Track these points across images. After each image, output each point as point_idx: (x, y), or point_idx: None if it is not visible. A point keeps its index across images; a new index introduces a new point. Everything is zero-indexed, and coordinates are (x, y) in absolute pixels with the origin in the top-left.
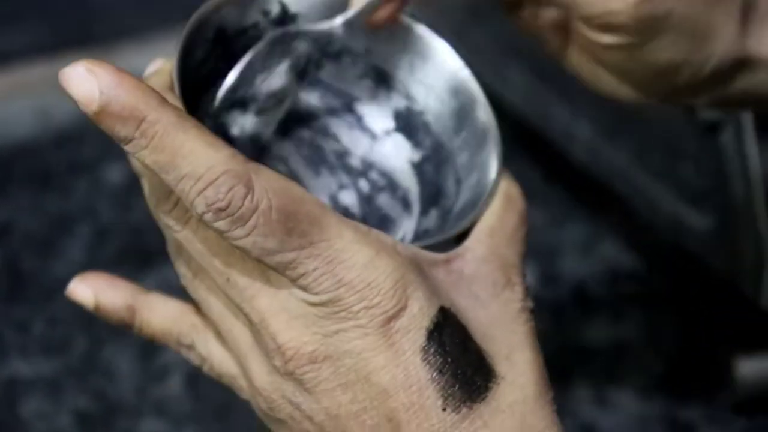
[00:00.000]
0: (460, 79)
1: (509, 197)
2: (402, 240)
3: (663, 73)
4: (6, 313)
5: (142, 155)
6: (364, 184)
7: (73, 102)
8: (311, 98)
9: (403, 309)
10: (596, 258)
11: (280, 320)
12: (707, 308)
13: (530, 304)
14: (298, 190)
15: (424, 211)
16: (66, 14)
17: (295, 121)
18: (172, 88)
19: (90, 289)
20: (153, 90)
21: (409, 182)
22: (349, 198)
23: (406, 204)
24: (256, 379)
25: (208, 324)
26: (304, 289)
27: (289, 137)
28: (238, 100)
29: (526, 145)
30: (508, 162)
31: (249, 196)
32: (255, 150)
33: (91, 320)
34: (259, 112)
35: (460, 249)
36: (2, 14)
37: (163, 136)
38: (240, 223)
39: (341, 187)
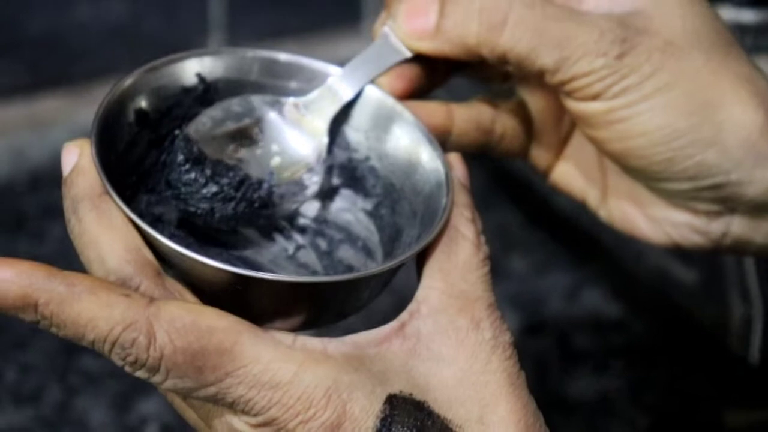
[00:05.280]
0: (391, 110)
1: (454, 227)
2: None
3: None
4: None
5: (53, 331)
6: (321, 242)
7: (49, 143)
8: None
9: (342, 415)
10: (580, 308)
11: None
12: (693, 361)
13: (506, 337)
14: (205, 322)
15: (387, 253)
16: (43, 54)
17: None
18: (101, 187)
19: None
20: (36, 267)
21: (367, 231)
22: (307, 256)
23: (368, 252)
24: None
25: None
26: (243, 413)
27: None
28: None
29: (509, 193)
30: (491, 209)
31: (152, 346)
32: (208, 229)
33: (64, 369)
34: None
35: (413, 305)
36: None
37: (59, 313)
38: (153, 372)
39: (298, 248)
